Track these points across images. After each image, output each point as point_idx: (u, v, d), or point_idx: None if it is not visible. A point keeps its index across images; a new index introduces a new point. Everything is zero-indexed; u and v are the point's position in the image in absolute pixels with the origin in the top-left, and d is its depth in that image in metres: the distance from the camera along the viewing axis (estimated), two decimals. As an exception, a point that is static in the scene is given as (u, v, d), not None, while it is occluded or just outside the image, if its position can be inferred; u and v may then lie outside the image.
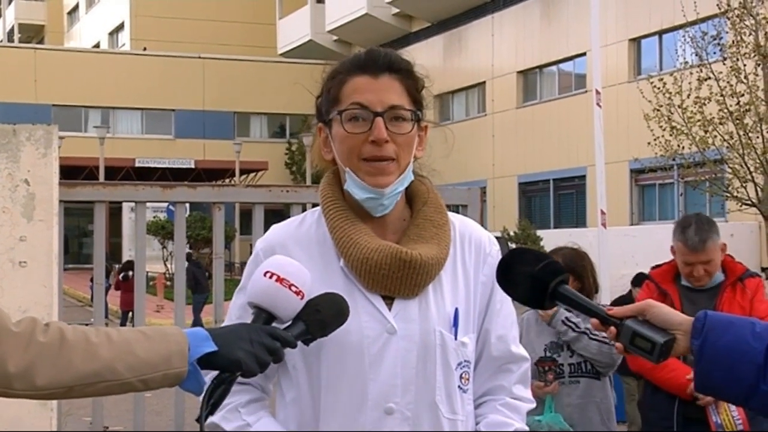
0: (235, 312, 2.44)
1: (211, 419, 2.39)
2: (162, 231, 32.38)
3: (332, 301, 2.21)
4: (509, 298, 2.55)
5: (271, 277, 2.15)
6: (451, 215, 2.55)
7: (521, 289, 2.26)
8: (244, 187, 5.60)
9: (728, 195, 18.87)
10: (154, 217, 33.37)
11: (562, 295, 2.22)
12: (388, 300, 2.39)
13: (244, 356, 2.04)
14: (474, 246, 2.51)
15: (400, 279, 2.36)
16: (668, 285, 5.06)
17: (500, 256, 2.51)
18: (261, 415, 2.41)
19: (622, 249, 23.76)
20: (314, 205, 2.62)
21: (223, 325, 2.28)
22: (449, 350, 2.40)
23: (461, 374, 2.43)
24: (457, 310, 2.43)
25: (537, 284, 2.22)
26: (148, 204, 5.13)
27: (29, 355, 1.95)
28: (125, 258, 36.80)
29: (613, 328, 2.15)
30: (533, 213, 34.29)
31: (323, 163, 2.53)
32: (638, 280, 10.05)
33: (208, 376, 2.09)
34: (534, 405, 2.60)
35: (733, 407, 4.82)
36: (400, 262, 2.35)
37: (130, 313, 22.28)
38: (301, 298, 2.16)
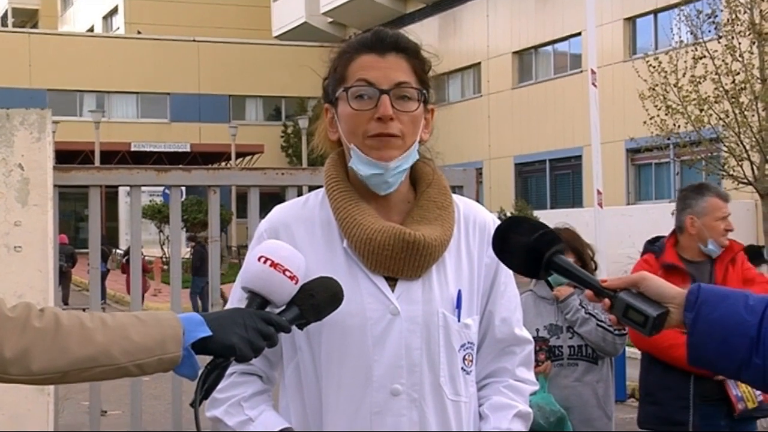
0: (237, 294, 2.44)
1: (214, 413, 2.40)
2: (158, 215, 32.36)
3: (326, 285, 2.19)
4: (513, 281, 2.54)
5: (265, 262, 2.14)
6: (456, 197, 2.54)
7: (516, 258, 2.25)
8: (240, 170, 5.57)
9: (724, 173, 18.85)
10: (151, 201, 33.34)
11: (557, 265, 2.20)
12: (392, 281, 2.38)
13: (238, 341, 2.03)
14: (478, 228, 2.50)
15: (403, 260, 2.35)
16: (674, 259, 5.10)
17: None
18: (263, 409, 2.40)
19: (619, 228, 23.75)
20: (310, 188, 2.62)
21: (225, 307, 2.28)
22: (452, 332, 2.39)
23: (464, 356, 2.42)
24: (460, 291, 2.42)
25: (532, 254, 2.21)
26: (144, 188, 5.11)
27: (25, 341, 1.95)
28: (122, 242, 36.84)
29: (606, 300, 2.15)
30: (530, 193, 34.31)
31: (328, 145, 2.51)
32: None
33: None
34: (537, 387, 2.60)
35: None
36: (404, 243, 2.34)
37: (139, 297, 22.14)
38: (296, 283, 2.15)
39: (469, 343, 2.43)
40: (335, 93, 2.42)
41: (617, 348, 5.25)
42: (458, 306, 2.41)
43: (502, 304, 2.51)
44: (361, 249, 2.36)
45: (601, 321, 5.18)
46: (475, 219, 2.52)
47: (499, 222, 2.55)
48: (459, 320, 2.41)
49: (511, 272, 2.52)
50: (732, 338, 2.08)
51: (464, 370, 2.42)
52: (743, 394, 4.85)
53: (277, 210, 2.51)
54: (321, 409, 2.37)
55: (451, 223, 2.45)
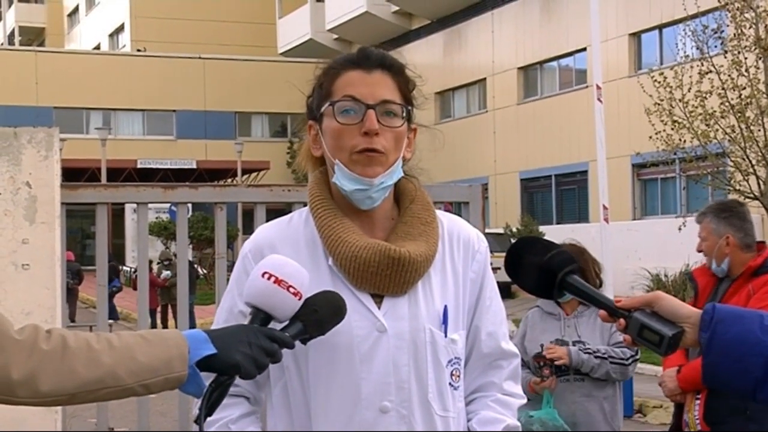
0: (223, 315, 2.44)
1: None
2: (165, 232, 32.42)
3: (330, 300, 2.20)
4: (499, 295, 2.56)
5: (269, 279, 2.14)
6: (439, 213, 2.55)
7: (529, 278, 2.26)
8: (246, 187, 5.59)
9: (730, 188, 18.79)
10: (157, 218, 33.39)
11: (571, 285, 2.21)
12: (377, 298, 2.38)
13: (242, 359, 2.04)
14: (462, 243, 2.51)
15: (389, 277, 2.35)
16: (702, 278, 5.16)
17: (488, 254, 2.52)
18: (250, 430, 2.41)
19: (625, 244, 23.75)
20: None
21: (211, 328, 2.28)
22: (439, 347, 2.40)
23: (452, 371, 2.43)
24: (446, 307, 2.42)
25: (545, 274, 2.21)
26: (150, 205, 5.13)
27: (32, 363, 1.96)
28: (128, 259, 36.87)
29: (621, 320, 2.15)
30: (535, 209, 34.27)
31: (310, 163, 2.52)
32: None
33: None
34: (525, 400, 2.60)
35: (697, 410, 4.88)
36: (389, 260, 2.34)
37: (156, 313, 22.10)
38: (299, 299, 2.15)
39: (456, 358, 2.44)
40: (320, 109, 2.43)
41: (629, 374, 5.39)
42: (445, 321, 2.42)
43: (488, 318, 2.52)
44: (347, 266, 2.36)
45: (613, 357, 5.26)
46: (459, 234, 2.52)
47: (484, 237, 2.57)
48: (446, 336, 2.41)
49: (496, 286, 2.54)
50: (747, 358, 2.08)
51: (452, 385, 2.43)
52: (689, 420, 4.92)
53: (261, 230, 2.52)
54: (310, 429, 2.37)
55: (436, 239, 2.45)
